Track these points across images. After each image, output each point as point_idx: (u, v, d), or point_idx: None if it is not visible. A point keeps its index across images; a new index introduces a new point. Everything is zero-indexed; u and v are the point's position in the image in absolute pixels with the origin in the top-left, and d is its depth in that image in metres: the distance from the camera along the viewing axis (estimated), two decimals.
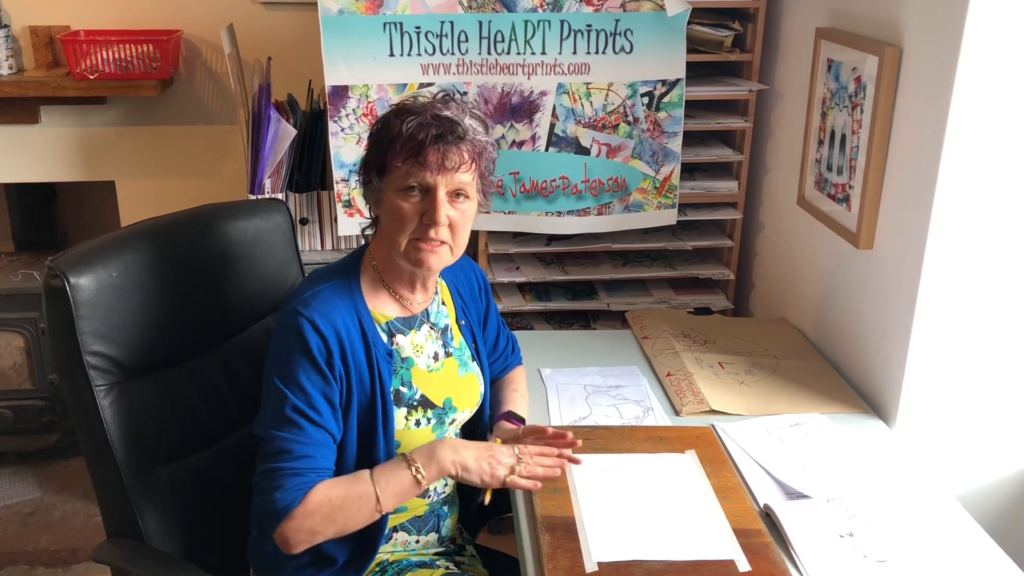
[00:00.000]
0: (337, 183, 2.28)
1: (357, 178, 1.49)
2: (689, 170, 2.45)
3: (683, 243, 2.47)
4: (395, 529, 1.54)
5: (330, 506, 1.33)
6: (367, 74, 2.20)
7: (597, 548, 1.38)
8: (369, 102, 2.22)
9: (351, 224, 2.32)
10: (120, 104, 2.78)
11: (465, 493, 1.67)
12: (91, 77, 2.57)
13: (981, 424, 1.79)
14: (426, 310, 1.52)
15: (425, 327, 1.52)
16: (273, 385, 1.36)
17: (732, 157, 2.42)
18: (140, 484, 1.49)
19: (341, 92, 2.21)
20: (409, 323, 1.50)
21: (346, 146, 2.25)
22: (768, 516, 1.48)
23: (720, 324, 2.27)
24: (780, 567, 1.36)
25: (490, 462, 1.40)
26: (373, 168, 1.42)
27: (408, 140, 1.36)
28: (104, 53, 2.56)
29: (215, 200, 1.72)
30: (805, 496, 1.53)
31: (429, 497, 1.56)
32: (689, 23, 2.24)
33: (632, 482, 1.56)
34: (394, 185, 1.39)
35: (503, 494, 1.66)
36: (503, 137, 2.29)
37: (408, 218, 1.39)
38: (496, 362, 1.72)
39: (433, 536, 1.59)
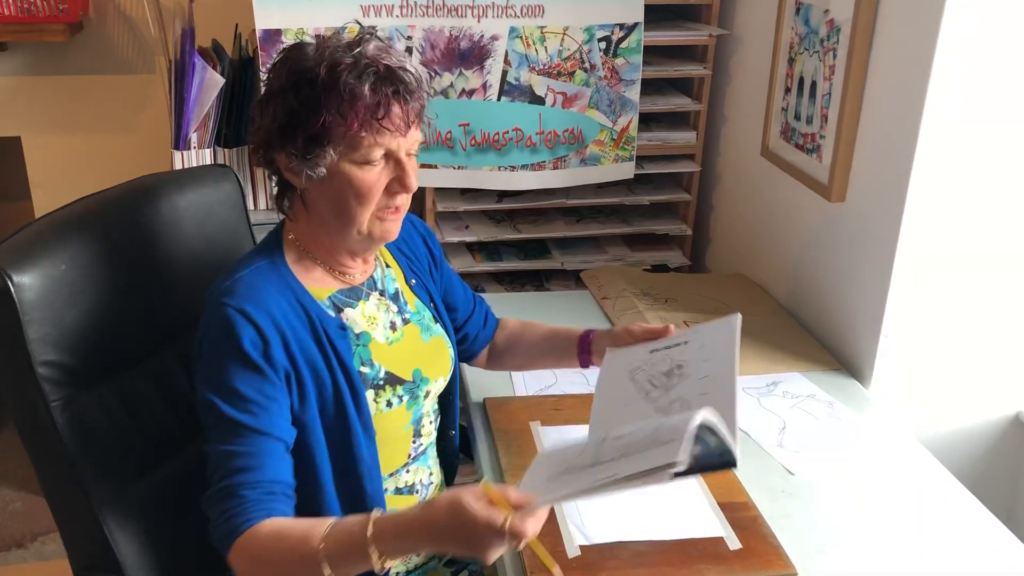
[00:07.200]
0: None
1: (272, 148, 1.21)
2: (644, 120, 2.34)
3: (639, 198, 2.37)
4: None
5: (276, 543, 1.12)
6: (301, 16, 2.03)
7: (578, 531, 1.28)
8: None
9: None
10: (23, 51, 2.56)
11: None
12: None
13: (961, 384, 1.75)
14: (371, 277, 1.36)
15: (374, 296, 1.35)
16: (205, 397, 1.19)
17: (690, 106, 2.32)
18: (111, 508, 1.30)
19: (273, 37, 2.03)
20: (355, 294, 1.33)
21: None
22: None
23: (678, 281, 2.20)
24: (771, 542, 1.29)
25: (476, 549, 1.02)
26: (306, 135, 1.17)
27: (368, 102, 1.16)
28: None
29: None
30: (790, 473, 1.46)
31: (419, 494, 1.40)
32: None
33: None
34: (354, 157, 1.19)
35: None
36: (451, 85, 2.14)
37: (375, 191, 1.21)
38: (475, 329, 1.57)
39: None
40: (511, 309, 1.98)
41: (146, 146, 2.64)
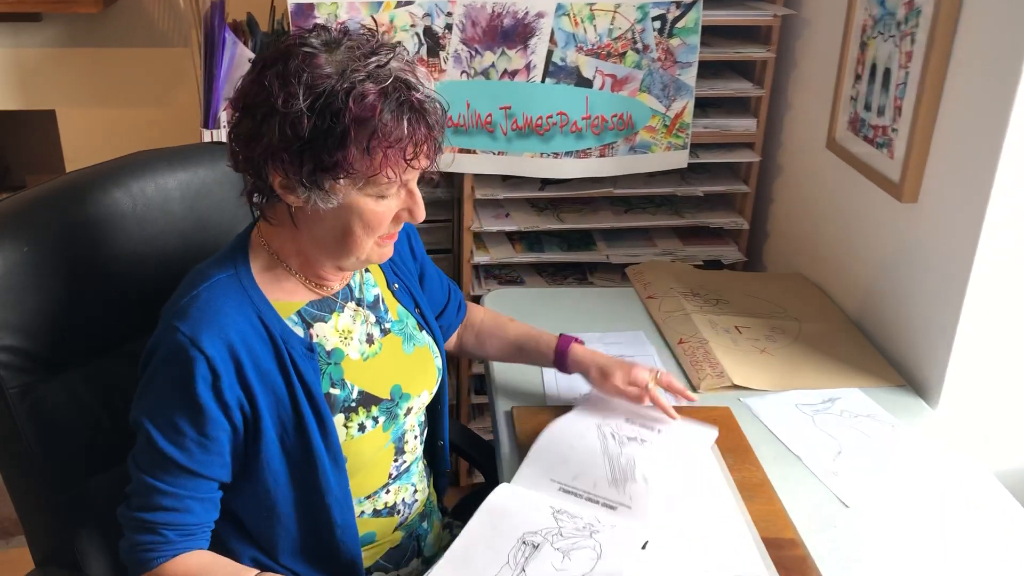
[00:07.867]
0: None
1: (267, 164, 1.07)
2: (701, 106, 2.19)
3: (693, 188, 2.22)
4: (369, 572, 1.30)
5: None
6: None
7: None
8: (339, 23, 1.93)
9: None
10: (57, 22, 2.49)
11: (441, 487, 1.47)
12: None
13: None
14: (347, 286, 1.25)
15: (349, 307, 1.24)
16: (140, 419, 1.11)
17: (751, 92, 2.16)
18: (72, 501, 1.25)
19: (306, 11, 1.92)
20: (328, 306, 1.21)
21: None
22: None
23: (731, 280, 2.06)
24: None
25: None
26: (320, 165, 1.05)
27: (402, 145, 1.06)
28: None
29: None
30: (845, 505, 1.32)
31: (400, 514, 1.32)
32: None
33: None
34: (371, 191, 1.10)
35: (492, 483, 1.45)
36: (493, 66, 2.01)
37: (386, 222, 1.13)
38: (447, 321, 1.49)
39: (416, 562, 1.36)
40: (552, 306, 1.90)
41: (180, 121, 2.57)
